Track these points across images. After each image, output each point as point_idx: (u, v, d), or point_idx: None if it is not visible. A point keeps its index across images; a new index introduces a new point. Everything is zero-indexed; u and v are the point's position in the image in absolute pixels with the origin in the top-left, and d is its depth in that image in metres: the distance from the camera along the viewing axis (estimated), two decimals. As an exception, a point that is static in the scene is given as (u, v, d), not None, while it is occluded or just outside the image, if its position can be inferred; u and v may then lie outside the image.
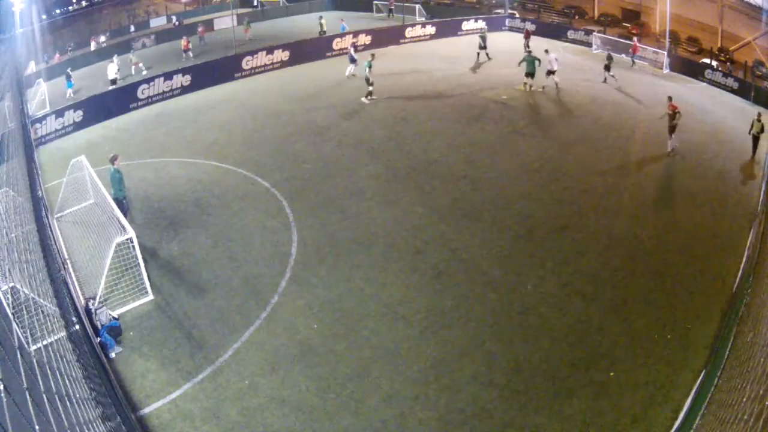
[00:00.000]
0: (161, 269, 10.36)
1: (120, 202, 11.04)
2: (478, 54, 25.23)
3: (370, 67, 19.52)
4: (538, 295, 9.35)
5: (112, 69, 23.40)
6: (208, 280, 10.01)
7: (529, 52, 24.19)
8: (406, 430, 6.93)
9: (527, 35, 27.61)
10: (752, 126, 15.15)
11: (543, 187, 13.14)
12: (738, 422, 4.56)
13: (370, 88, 19.50)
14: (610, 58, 21.66)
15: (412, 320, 8.83)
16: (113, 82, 22.90)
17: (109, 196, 10.83)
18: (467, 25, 31.33)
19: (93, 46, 37.81)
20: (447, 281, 9.77)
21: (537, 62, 20.03)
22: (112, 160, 11.32)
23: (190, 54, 28.88)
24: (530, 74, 20.17)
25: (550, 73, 20.28)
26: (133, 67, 26.65)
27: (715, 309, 8.85)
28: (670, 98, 15.23)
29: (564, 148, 15.37)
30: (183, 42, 29.91)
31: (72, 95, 22.86)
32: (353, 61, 23.05)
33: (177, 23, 42.20)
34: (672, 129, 14.83)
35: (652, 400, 7.20)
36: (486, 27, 28.94)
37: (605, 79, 21.54)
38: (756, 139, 15.06)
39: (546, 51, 20.78)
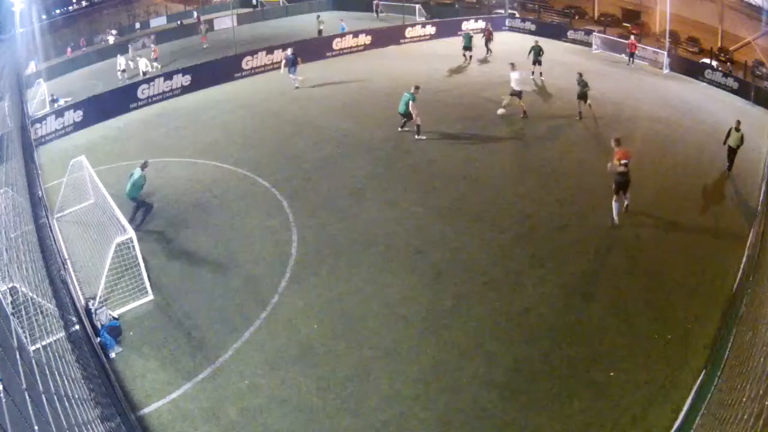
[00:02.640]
0: (161, 269, 10.36)
1: (135, 200, 11.65)
2: (470, 56, 24.97)
3: (412, 101, 15.49)
4: (538, 295, 9.35)
5: (142, 63, 25.81)
6: (208, 280, 10.01)
7: (489, 50, 25.83)
8: (406, 430, 6.93)
9: (489, 35, 26.17)
10: (728, 135, 13.50)
11: (543, 187, 13.13)
12: (738, 422, 4.56)
13: (417, 122, 15.78)
14: (538, 54, 21.60)
15: (412, 320, 8.83)
16: (144, 74, 24.81)
17: (108, 194, 10.82)
18: (467, 25, 31.34)
19: (111, 40, 38.63)
20: (447, 281, 9.77)
21: (540, 52, 21.57)
22: (143, 165, 11.78)
23: (158, 65, 27.88)
24: (537, 62, 21.69)
25: (514, 94, 17.51)
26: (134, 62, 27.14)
27: (715, 309, 8.84)
28: (617, 141, 11.24)
29: (564, 148, 15.37)
30: (153, 50, 29.25)
31: (55, 105, 22.41)
32: (292, 66, 21.11)
33: (197, 19, 42.07)
34: (623, 187, 11.09)
35: (652, 400, 7.20)
36: (470, 29, 27.98)
37: (532, 72, 21.62)
38: (733, 152, 13.42)
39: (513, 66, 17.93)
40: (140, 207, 11.81)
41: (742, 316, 7.17)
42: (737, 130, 13.37)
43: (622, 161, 11.00)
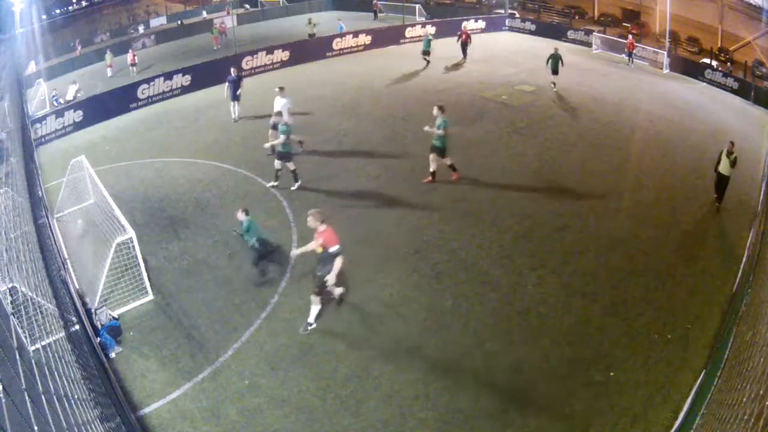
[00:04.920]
0: (161, 269, 10.36)
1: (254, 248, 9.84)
2: (427, 61, 23.85)
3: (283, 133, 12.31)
4: (538, 295, 9.34)
5: (71, 90, 22.44)
6: (208, 280, 10.01)
7: (464, 54, 24.41)
8: (406, 430, 6.93)
9: (466, 39, 24.74)
10: (719, 160, 11.76)
11: (543, 187, 13.13)
12: (738, 422, 4.56)
13: (285, 169, 12.86)
14: (557, 64, 20.19)
15: (412, 320, 8.83)
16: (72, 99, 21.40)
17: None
18: (467, 25, 31.34)
19: (142, 29, 40.00)
20: (447, 281, 9.77)
21: (560, 61, 20.21)
22: (244, 211, 9.74)
23: (135, 70, 27.23)
24: (554, 72, 20.33)
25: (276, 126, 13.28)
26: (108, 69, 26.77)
27: (715, 309, 8.85)
28: (318, 216, 8.21)
29: (564, 148, 15.37)
30: (129, 56, 28.27)
31: (55, 104, 22.29)
32: (236, 94, 17.53)
33: (227, 12, 41.27)
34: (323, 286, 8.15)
35: (652, 400, 7.19)
36: (430, 32, 26.00)
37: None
38: (723, 180, 11.73)
39: (280, 89, 14.95)
40: (260, 255, 9.89)
41: (742, 316, 7.17)
42: (730, 153, 11.59)
43: (330, 249, 7.93)
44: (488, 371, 7.78)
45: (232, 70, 18.35)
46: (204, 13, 45.15)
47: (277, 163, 12.89)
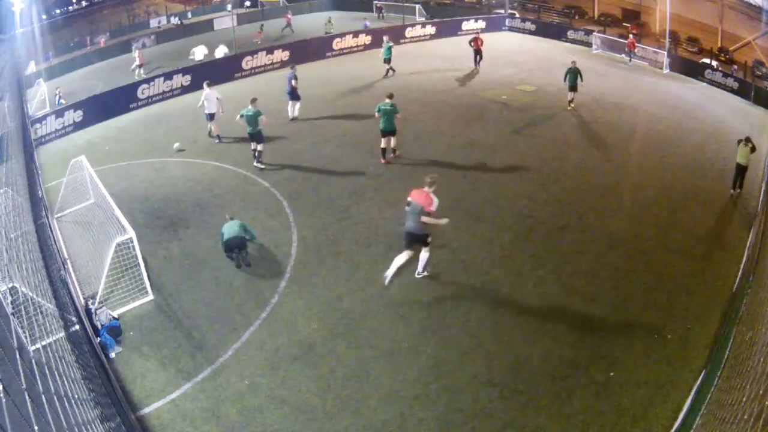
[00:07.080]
0: (161, 269, 10.36)
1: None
2: (388, 70, 22.54)
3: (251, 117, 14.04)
4: (538, 295, 9.34)
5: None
6: (208, 280, 10.01)
7: (478, 59, 22.93)
8: (406, 430, 6.93)
9: (479, 44, 22.94)
10: (739, 152, 12.31)
11: (543, 187, 13.13)
12: (738, 422, 4.56)
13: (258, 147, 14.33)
14: (575, 79, 18.00)
15: (412, 320, 8.83)
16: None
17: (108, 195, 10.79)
18: (467, 25, 31.38)
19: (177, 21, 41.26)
20: (447, 281, 9.76)
21: (579, 75, 18.02)
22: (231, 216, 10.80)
23: (142, 72, 26.56)
24: (573, 88, 18.15)
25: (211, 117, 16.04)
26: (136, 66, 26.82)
27: (715, 309, 8.85)
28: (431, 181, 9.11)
29: (564, 148, 15.37)
30: (137, 57, 27.48)
31: (56, 102, 22.11)
32: (294, 96, 17.70)
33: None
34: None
35: (652, 400, 7.20)
36: (389, 38, 23.71)
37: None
38: (742, 170, 12.34)
39: (207, 84, 16.13)
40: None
41: (742, 316, 7.17)
42: (746, 144, 12.26)
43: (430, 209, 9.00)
44: (488, 371, 7.78)
45: (290, 67, 18.47)
46: (228, 7, 45.05)
47: (252, 144, 14.43)
